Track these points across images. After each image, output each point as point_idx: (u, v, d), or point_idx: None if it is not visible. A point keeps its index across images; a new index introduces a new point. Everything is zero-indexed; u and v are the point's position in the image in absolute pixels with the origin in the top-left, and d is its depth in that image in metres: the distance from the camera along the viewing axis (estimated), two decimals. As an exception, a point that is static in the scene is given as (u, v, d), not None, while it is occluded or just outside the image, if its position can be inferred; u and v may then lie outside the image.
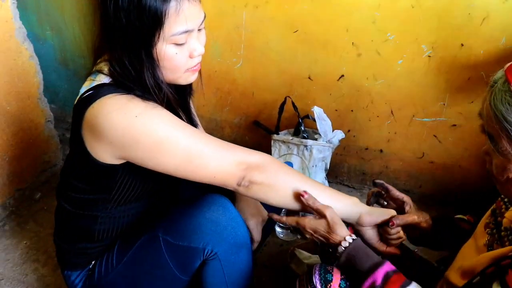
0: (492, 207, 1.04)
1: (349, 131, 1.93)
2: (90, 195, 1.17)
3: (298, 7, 1.74)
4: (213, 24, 1.87)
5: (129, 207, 1.22)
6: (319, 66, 1.83)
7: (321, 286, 1.01)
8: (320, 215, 1.08)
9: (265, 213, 1.38)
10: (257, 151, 1.13)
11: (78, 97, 1.06)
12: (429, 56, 1.66)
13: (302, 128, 1.86)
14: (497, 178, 0.86)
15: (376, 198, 1.24)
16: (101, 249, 1.25)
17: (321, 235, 1.08)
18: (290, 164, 1.70)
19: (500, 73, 0.81)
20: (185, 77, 1.10)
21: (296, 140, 1.85)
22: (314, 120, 1.82)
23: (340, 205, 1.13)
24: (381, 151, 1.94)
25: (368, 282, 0.94)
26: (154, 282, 1.23)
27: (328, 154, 1.87)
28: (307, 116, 1.87)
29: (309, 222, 1.09)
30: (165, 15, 0.96)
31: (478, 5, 1.53)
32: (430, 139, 1.83)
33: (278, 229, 1.81)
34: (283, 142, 1.88)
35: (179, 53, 1.03)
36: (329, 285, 1.01)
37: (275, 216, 1.16)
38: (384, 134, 1.89)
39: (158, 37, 0.99)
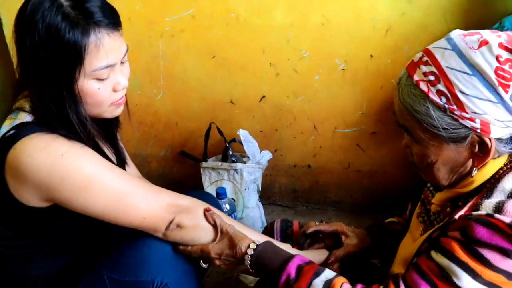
0: (421, 198, 1.11)
1: (276, 150, 1.96)
2: (19, 240, 1.06)
3: (214, 33, 1.76)
4: (130, 56, 1.76)
5: (63, 250, 1.12)
6: (239, 89, 1.86)
7: None
8: (221, 231, 1.08)
9: None
10: (187, 196, 1.12)
11: None
12: (343, 69, 1.75)
13: (230, 153, 1.86)
14: (419, 166, 0.94)
15: (308, 239, 1.25)
16: None
17: (228, 256, 1.06)
18: (223, 189, 1.69)
19: (403, 71, 0.90)
20: (110, 111, 1.06)
21: (225, 165, 1.83)
22: (241, 143, 1.83)
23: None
24: (309, 166, 1.98)
25: (282, 279, 0.96)
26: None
27: (258, 176, 1.88)
28: (233, 140, 1.87)
29: (213, 246, 1.07)
30: (84, 50, 0.92)
31: (380, 18, 1.65)
32: (354, 149, 1.90)
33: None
34: (213, 168, 1.86)
35: (102, 88, 0.99)
36: None
37: (181, 248, 1.10)
38: (310, 149, 1.94)
39: (79, 73, 0.94)
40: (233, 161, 1.85)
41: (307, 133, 1.90)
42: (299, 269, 0.96)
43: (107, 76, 0.98)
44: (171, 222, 1.04)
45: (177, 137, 2.00)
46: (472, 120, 0.82)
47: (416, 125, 0.86)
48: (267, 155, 1.89)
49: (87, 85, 0.97)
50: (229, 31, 1.75)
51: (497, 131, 0.82)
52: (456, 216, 0.85)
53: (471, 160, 0.88)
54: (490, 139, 0.83)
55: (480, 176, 0.90)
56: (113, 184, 1.00)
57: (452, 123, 0.83)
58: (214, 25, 1.74)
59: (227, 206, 1.71)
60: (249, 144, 1.84)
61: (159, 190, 1.08)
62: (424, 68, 0.84)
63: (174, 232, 1.05)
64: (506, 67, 0.79)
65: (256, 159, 1.85)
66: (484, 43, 0.81)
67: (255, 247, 1.03)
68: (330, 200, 2.02)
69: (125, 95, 1.09)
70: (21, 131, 0.96)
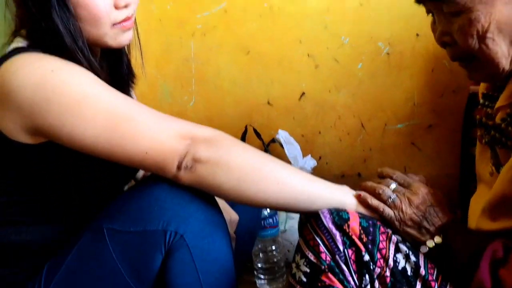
0: (477, 120, 0.90)
1: (320, 158, 1.76)
2: (6, 195, 0.91)
3: (247, 27, 1.68)
4: (161, 61, 1.77)
5: (57, 212, 0.94)
6: (277, 88, 1.73)
7: (336, 228, 0.76)
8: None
9: (234, 214, 1.12)
10: (207, 127, 0.91)
11: None
12: (387, 54, 1.61)
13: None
14: (468, 47, 0.76)
15: None
16: (24, 276, 0.93)
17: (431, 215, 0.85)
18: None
19: None
20: (113, 36, 0.91)
21: (264, 168, 1.65)
22: (281, 145, 1.65)
23: (338, 193, 0.90)
24: (359, 175, 1.76)
25: (487, 256, 0.72)
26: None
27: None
28: (272, 141, 1.70)
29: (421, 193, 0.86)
30: None
31: (425, -8, 1.53)
32: (409, 148, 1.68)
33: (258, 280, 1.50)
34: (250, 175, 1.67)
35: None
36: (347, 224, 0.76)
37: (362, 195, 0.87)
38: (358, 153, 1.73)
39: None
40: (273, 165, 1.66)
41: (354, 134, 1.71)
42: (507, 248, 0.74)
43: None
44: (184, 157, 0.83)
45: (211, 148, 1.85)
46: None
47: None
48: (310, 162, 1.68)
49: None
50: (263, 23, 1.67)
51: None
52: None
53: None
54: None
55: None
56: (109, 107, 0.83)
57: None
58: (247, 18, 1.67)
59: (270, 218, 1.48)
60: (290, 146, 1.66)
61: (170, 117, 0.89)
62: None
63: (189, 171, 0.83)
64: None
65: (299, 164, 1.66)
66: None
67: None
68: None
69: (133, 19, 0.95)
70: (11, 54, 0.84)
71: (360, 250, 0.75)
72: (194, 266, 0.86)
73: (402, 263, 0.78)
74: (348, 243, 0.75)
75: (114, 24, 0.90)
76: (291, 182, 0.86)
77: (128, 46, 1.05)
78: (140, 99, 1.16)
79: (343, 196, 0.88)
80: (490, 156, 0.87)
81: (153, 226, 0.85)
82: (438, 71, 1.59)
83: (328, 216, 0.77)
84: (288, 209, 0.89)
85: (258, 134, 1.70)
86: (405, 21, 1.57)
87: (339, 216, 0.77)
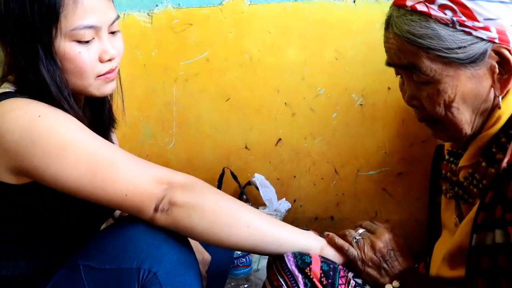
0: (442, 175, 0.96)
1: (295, 201, 1.81)
2: None
3: (228, 75, 1.75)
4: (144, 104, 1.83)
5: (40, 249, 0.98)
6: (255, 133, 1.79)
7: (299, 270, 0.80)
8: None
9: (206, 254, 1.16)
10: (183, 173, 0.96)
11: None
12: (361, 105, 1.69)
13: (245, 197, 1.72)
14: (435, 113, 0.81)
15: None
16: None
17: (392, 266, 0.89)
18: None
19: (389, 11, 0.82)
20: (97, 86, 0.97)
21: (240, 211, 1.68)
22: (257, 188, 1.71)
23: (304, 237, 0.94)
24: (332, 218, 1.80)
25: None
26: None
27: (277, 224, 1.71)
28: (248, 183, 1.75)
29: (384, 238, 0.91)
30: (61, 5, 0.87)
31: (395, 49, 1.63)
32: (380, 194, 1.75)
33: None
34: (227, 216, 1.71)
35: (84, 53, 0.92)
36: (309, 267, 0.81)
37: (330, 235, 0.93)
38: (332, 197, 1.78)
39: (56, 32, 0.88)
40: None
41: (328, 179, 1.77)
42: None
43: (89, 39, 0.92)
44: (161, 200, 0.87)
45: (190, 189, 1.88)
46: (487, 29, 0.73)
47: (424, 55, 0.76)
48: (285, 204, 1.74)
49: (66, 46, 0.90)
50: (243, 73, 1.74)
51: None
52: (504, 164, 0.72)
53: (493, 91, 0.77)
54: (510, 51, 0.73)
55: (507, 106, 0.78)
56: (92, 152, 0.88)
57: (465, 38, 0.74)
58: (228, 67, 1.75)
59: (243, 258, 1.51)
60: (266, 189, 1.72)
61: (148, 163, 0.94)
62: None
63: (165, 213, 0.87)
64: None
65: (274, 206, 1.70)
66: None
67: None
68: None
69: (117, 71, 1.01)
70: (0, 98, 0.89)
71: None
72: (166, 303, 0.88)
73: None
74: (309, 285, 0.80)
75: (98, 76, 0.96)
76: (260, 226, 0.90)
77: (122, 93, 1.12)
78: (122, 140, 1.20)
79: (308, 241, 0.93)
80: (454, 208, 0.92)
81: (128, 264, 0.88)
82: (409, 122, 1.67)
83: (292, 259, 0.82)
84: (257, 252, 0.94)
85: (235, 177, 1.75)
86: (378, 75, 1.65)
87: (302, 259, 0.82)
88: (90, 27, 0.91)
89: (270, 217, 0.96)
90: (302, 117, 1.74)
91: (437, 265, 0.90)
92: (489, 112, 0.80)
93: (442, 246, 0.92)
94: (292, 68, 1.71)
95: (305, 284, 0.80)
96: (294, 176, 1.80)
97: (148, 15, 1.77)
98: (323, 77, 1.70)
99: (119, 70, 1.04)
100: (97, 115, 1.10)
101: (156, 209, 0.87)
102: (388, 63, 0.87)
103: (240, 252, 1.44)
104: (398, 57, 0.81)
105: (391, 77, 1.60)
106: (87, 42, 0.92)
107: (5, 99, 0.89)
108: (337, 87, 1.69)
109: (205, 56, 1.75)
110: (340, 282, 0.82)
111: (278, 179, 1.80)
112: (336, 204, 1.79)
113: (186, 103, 1.81)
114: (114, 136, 1.20)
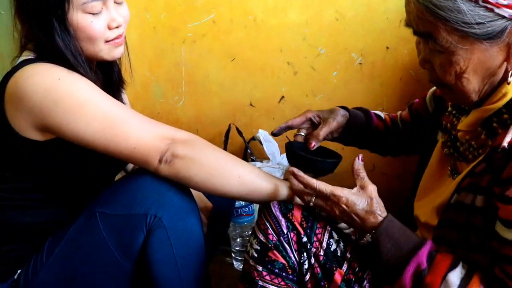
0: (442, 125, 0.99)
1: (297, 155, 1.91)
2: (16, 183, 1.07)
3: (233, 36, 1.83)
4: (153, 64, 1.93)
5: (60, 198, 1.11)
6: (259, 91, 1.88)
7: (282, 215, 0.92)
8: (362, 187, 0.94)
9: (208, 202, 1.29)
10: (186, 131, 1.08)
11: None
12: (360, 64, 1.75)
13: (249, 151, 1.84)
14: (445, 80, 0.83)
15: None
16: (28, 251, 1.10)
17: (355, 214, 0.89)
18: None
19: None
20: (107, 51, 1.08)
21: (245, 164, 1.80)
22: (261, 143, 1.81)
23: (285, 188, 1.04)
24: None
25: (411, 267, 0.80)
26: (92, 275, 1.07)
27: (279, 176, 1.82)
28: (253, 139, 1.86)
29: (348, 194, 0.90)
30: None
31: (393, 9, 1.67)
32: (377, 149, 1.83)
33: (235, 262, 1.67)
34: (233, 170, 1.83)
35: (95, 22, 1.02)
36: (291, 213, 0.92)
37: (295, 171, 0.94)
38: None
39: (68, 5, 0.99)
40: (253, 160, 1.82)
41: (328, 134, 1.86)
42: (431, 257, 0.81)
43: (99, 10, 1.02)
44: (165, 153, 1.00)
45: (199, 144, 2.00)
46: (510, 7, 0.71)
47: (441, 27, 0.75)
48: (287, 158, 1.84)
49: (79, 18, 1.01)
50: (247, 33, 1.82)
51: None
52: (505, 143, 0.72)
53: (504, 65, 0.77)
54: None
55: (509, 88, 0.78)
56: (106, 110, 1.00)
57: (486, 15, 0.72)
58: (233, 28, 1.82)
59: (246, 207, 1.65)
60: (269, 143, 1.82)
61: (155, 122, 1.06)
62: None
63: (168, 164, 1.00)
64: None
65: (277, 160, 1.81)
66: None
67: (383, 219, 0.87)
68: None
69: (123, 36, 1.11)
70: (22, 64, 1.01)
71: (300, 234, 0.92)
72: (170, 243, 1.02)
73: (333, 246, 0.94)
74: (291, 227, 0.92)
75: (107, 41, 1.07)
76: (249, 178, 1.02)
77: (129, 57, 1.23)
78: (135, 99, 1.31)
79: (289, 191, 1.03)
80: (450, 164, 0.94)
81: (137, 211, 1.01)
82: (406, 80, 1.73)
83: (276, 206, 0.94)
84: (247, 200, 1.07)
85: (240, 132, 1.86)
86: (377, 35, 1.71)
87: (285, 206, 0.94)
88: None
89: (260, 170, 1.07)
90: (303, 75, 1.82)
91: (427, 215, 0.95)
92: (496, 85, 0.81)
93: (433, 197, 0.95)
94: (294, 29, 1.77)
95: (287, 227, 0.92)
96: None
97: (157, -22, 1.84)
98: (324, 37, 1.76)
99: (125, 37, 1.14)
100: (108, 77, 1.21)
101: (160, 161, 1.00)
102: (407, 24, 0.85)
103: (243, 202, 1.57)
104: (416, 23, 0.81)
105: (389, 37, 1.70)
106: (96, 13, 1.02)
107: (27, 64, 1.00)
108: (337, 46, 1.75)
109: (211, 18, 1.83)
110: (318, 225, 0.94)
111: (282, 134, 1.90)
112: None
113: (194, 63, 1.90)
114: (125, 97, 1.32)
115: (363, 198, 0.91)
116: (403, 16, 1.61)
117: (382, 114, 1.23)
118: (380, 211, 0.89)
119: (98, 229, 1.04)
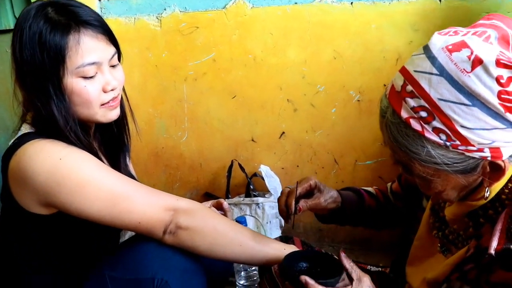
0: (429, 205, 1.01)
1: (299, 188, 1.96)
2: (27, 255, 1.11)
3: (233, 74, 1.88)
4: (156, 100, 1.98)
5: (68, 263, 1.15)
6: (260, 127, 1.93)
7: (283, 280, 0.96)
8: (359, 279, 0.92)
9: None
10: (187, 199, 1.11)
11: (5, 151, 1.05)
12: (358, 101, 1.79)
13: (251, 187, 1.88)
14: (425, 192, 0.86)
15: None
16: None
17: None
18: (242, 218, 1.69)
19: (385, 101, 0.83)
20: (102, 114, 1.09)
21: (247, 200, 1.85)
22: (263, 178, 1.86)
23: (285, 252, 1.07)
24: (333, 203, 1.95)
25: None
26: None
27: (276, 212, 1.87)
28: (255, 175, 1.91)
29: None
30: (65, 48, 0.99)
31: (389, 48, 1.71)
32: (377, 182, 1.86)
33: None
34: (235, 204, 1.88)
35: (89, 86, 1.03)
36: None
37: (307, 279, 0.92)
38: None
39: (63, 71, 1.00)
40: (255, 196, 1.87)
41: (328, 168, 1.91)
42: None
43: (93, 74, 1.03)
44: (169, 225, 1.03)
45: (202, 178, 2.06)
46: (480, 150, 0.72)
47: (416, 163, 0.77)
48: (289, 192, 1.89)
49: (73, 83, 1.02)
50: (247, 72, 1.86)
51: (509, 151, 0.73)
52: (492, 251, 0.74)
53: (481, 178, 0.78)
54: (503, 161, 0.73)
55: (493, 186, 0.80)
56: (108, 188, 1.02)
57: (457, 157, 0.74)
58: (234, 67, 1.87)
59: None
60: (271, 178, 1.87)
61: (157, 192, 1.09)
62: (412, 102, 0.74)
63: (172, 235, 1.04)
64: (510, 88, 0.67)
65: (278, 194, 1.86)
66: (477, 62, 0.68)
67: None
68: (357, 238, 1.96)
69: (119, 99, 1.13)
70: (23, 140, 1.03)
71: None
72: (177, 305, 1.07)
73: None
74: None
75: (102, 105, 1.08)
76: (250, 245, 1.07)
77: (125, 120, 1.25)
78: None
79: (284, 254, 1.06)
80: (439, 244, 0.96)
81: (144, 275, 1.05)
82: (402, 117, 1.77)
83: (277, 271, 0.98)
84: (247, 263, 1.14)
85: (242, 169, 1.90)
86: (374, 73, 1.75)
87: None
88: (92, 63, 1.03)
89: (260, 235, 1.12)
90: (303, 112, 1.86)
91: (419, 284, 0.97)
92: (475, 187, 0.81)
93: (425, 267, 0.97)
94: (293, 67, 1.81)
95: None
96: (297, 166, 1.94)
97: (157, 18, 1.88)
98: (322, 75, 1.80)
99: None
100: (108, 138, 1.25)
101: (164, 232, 1.04)
102: (385, 143, 0.86)
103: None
104: (393, 153, 0.83)
105: (387, 74, 1.74)
106: (91, 77, 1.04)
107: (28, 141, 1.03)
108: (335, 84, 1.79)
109: (212, 57, 1.87)
110: None
111: (283, 168, 1.95)
112: (336, 191, 1.93)
113: (196, 100, 1.95)
114: (130, 165, 1.35)
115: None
116: (399, 55, 1.68)
117: (372, 190, 1.27)
118: None
119: (108, 293, 1.09)
